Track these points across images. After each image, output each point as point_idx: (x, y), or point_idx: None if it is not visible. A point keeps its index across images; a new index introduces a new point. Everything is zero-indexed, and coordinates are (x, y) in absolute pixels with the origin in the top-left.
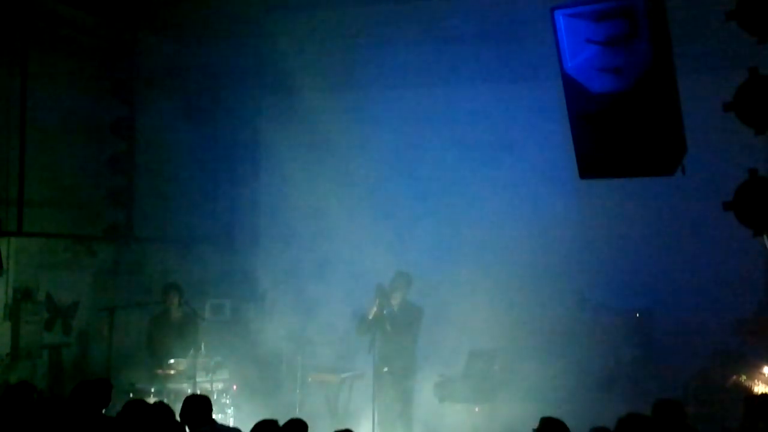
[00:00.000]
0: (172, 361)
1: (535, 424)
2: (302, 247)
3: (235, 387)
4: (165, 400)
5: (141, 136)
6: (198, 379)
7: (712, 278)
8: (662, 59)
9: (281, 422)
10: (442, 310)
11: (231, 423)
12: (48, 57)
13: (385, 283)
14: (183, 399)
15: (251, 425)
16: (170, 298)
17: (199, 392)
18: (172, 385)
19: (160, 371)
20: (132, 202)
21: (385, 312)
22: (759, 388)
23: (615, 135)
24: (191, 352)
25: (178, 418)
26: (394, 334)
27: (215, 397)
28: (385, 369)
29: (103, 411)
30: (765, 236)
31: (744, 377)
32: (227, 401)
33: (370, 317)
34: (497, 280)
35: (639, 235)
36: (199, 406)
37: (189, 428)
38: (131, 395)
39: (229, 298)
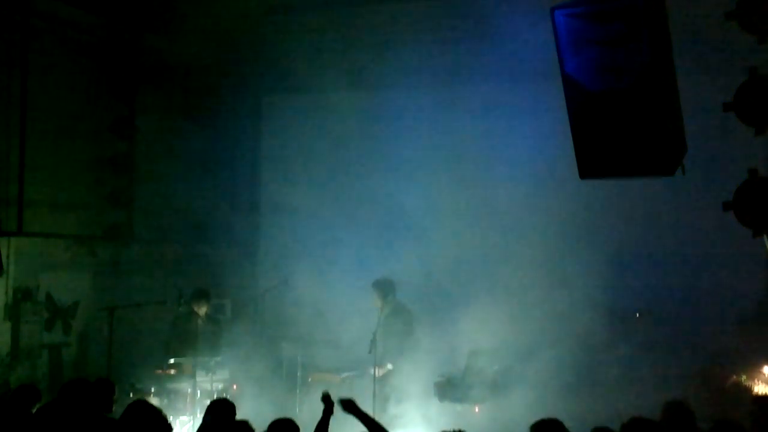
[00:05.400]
0: (172, 361)
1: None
2: (303, 247)
3: (235, 387)
4: (165, 401)
5: (141, 136)
6: (198, 379)
7: (712, 278)
8: (662, 59)
9: None
10: (443, 310)
11: None
12: (48, 57)
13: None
14: (183, 399)
15: (250, 426)
16: (199, 304)
17: (199, 392)
18: (172, 385)
19: (159, 371)
20: (132, 202)
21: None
22: (759, 388)
23: (615, 135)
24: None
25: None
26: (382, 339)
27: (215, 397)
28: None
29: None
30: (765, 236)
31: (744, 377)
32: None
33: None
34: (497, 280)
35: (639, 235)
36: (225, 410)
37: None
38: (131, 395)
39: (229, 298)
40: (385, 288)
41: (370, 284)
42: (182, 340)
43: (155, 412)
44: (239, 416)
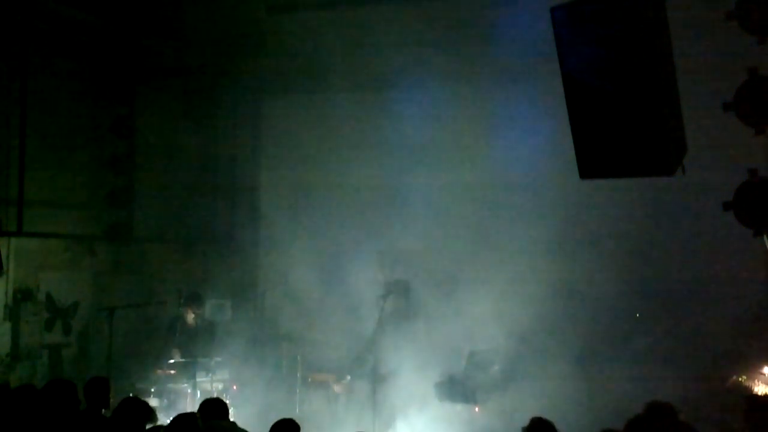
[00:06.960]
0: (172, 361)
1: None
2: (302, 247)
3: (235, 387)
4: (165, 401)
5: (141, 136)
6: (198, 379)
7: (712, 278)
8: (662, 59)
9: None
10: (443, 310)
11: None
12: (48, 57)
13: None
14: (183, 399)
15: (251, 426)
16: (190, 308)
17: (199, 393)
18: (172, 385)
19: (159, 371)
20: (132, 202)
21: None
22: (759, 388)
23: (615, 135)
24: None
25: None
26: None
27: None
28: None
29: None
30: (765, 236)
31: (744, 377)
32: (227, 401)
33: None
34: (497, 280)
35: (639, 236)
36: (215, 408)
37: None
38: (131, 395)
39: (229, 298)
40: (402, 289)
41: (370, 285)
42: (178, 341)
43: (145, 407)
44: (239, 416)
